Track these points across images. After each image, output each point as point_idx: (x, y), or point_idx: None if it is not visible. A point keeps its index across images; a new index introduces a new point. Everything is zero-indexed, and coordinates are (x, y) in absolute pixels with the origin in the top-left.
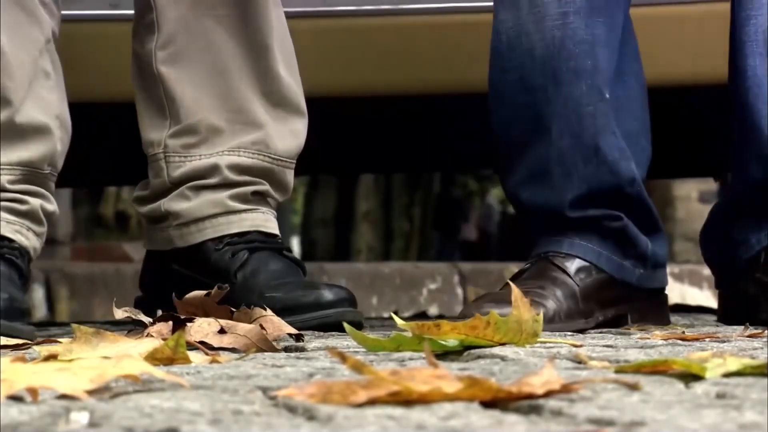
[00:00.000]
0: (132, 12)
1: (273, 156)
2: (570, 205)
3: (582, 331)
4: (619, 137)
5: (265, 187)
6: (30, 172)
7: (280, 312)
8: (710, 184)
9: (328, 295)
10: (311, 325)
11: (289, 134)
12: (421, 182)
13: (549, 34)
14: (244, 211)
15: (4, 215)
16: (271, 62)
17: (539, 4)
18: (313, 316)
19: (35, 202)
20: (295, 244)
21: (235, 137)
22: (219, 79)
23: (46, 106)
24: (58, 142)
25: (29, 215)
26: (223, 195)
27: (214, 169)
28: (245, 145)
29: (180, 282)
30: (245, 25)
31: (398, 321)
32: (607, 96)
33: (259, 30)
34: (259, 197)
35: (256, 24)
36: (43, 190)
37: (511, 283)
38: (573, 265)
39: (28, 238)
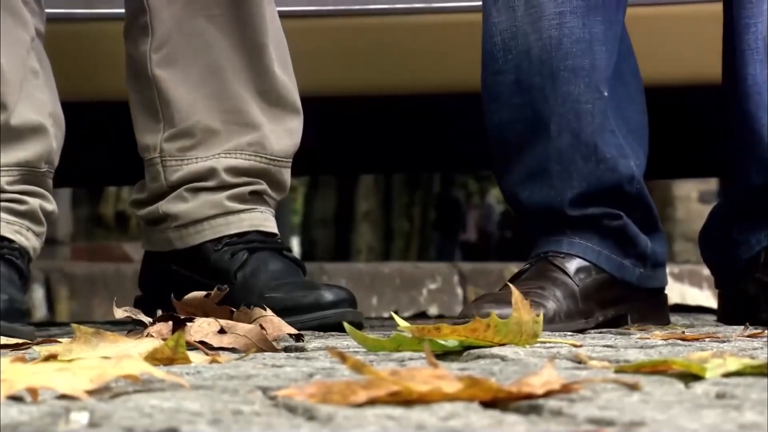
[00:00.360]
0: None
1: (269, 156)
2: (570, 203)
3: (582, 331)
4: (618, 135)
5: (263, 186)
6: (28, 172)
7: (280, 312)
8: (710, 184)
9: (328, 295)
10: (311, 325)
11: (285, 134)
12: (421, 182)
13: (546, 34)
14: (243, 211)
15: (4, 216)
16: (267, 61)
17: (535, 4)
18: (313, 317)
19: (34, 202)
20: (295, 244)
21: (231, 138)
22: (214, 80)
23: (39, 105)
24: (53, 140)
25: (28, 215)
26: (221, 196)
27: (211, 172)
28: (242, 147)
29: (179, 282)
30: (240, 25)
31: (399, 321)
32: (606, 94)
33: (253, 29)
34: (257, 197)
35: (250, 23)
36: (41, 190)
37: (510, 285)
38: (573, 265)
39: (27, 238)
